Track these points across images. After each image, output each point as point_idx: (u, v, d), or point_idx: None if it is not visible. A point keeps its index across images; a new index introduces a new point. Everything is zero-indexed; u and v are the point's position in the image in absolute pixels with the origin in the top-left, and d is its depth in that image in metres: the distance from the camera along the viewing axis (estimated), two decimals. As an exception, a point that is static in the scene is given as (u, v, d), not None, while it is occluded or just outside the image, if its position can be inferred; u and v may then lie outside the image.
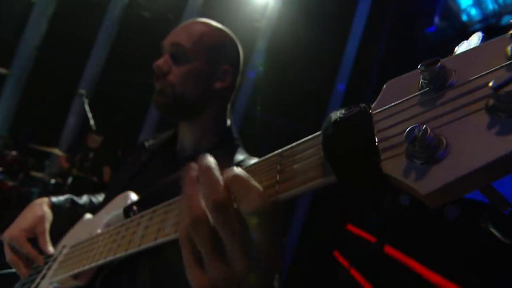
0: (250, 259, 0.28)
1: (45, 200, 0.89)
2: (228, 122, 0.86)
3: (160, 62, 0.77)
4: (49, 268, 0.80)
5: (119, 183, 0.87)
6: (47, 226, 0.85)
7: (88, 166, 4.10)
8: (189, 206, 0.29)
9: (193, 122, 0.84)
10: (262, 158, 0.31)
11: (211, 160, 0.31)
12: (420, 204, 0.22)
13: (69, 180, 3.48)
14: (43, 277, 0.79)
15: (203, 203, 0.29)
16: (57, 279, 0.69)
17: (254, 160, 0.71)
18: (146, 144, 0.94)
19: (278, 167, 0.28)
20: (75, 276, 0.66)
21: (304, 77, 4.29)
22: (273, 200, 0.27)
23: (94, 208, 1.04)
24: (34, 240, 0.85)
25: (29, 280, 0.90)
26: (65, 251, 0.79)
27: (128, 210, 0.65)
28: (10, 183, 3.51)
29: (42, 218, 0.85)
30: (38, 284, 0.77)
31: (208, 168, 0.30)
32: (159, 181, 0.73)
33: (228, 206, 0.27)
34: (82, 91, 3.57)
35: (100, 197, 1.11)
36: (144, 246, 0.43)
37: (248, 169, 0.31)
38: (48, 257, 0.88)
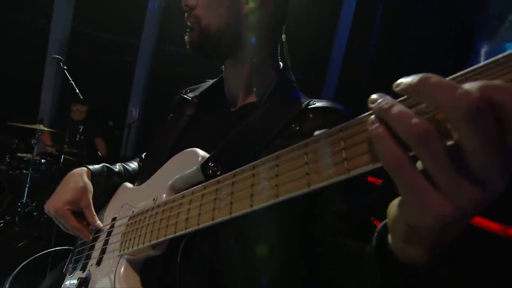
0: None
1: (84, 169, 0.89)
2: (281, 64, 0.80)
3: None
4: (106, 242, 0.80)
5: (163, 143, 0.84)
6: (91, 198, 0.85)
7: (79, 141, 3.99)
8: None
9: (235, 63, 0.79)
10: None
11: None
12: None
13: (61, 158, 3.38)
14: (103, 252, 0.79)
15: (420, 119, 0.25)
16: (130, 251, 0.68)
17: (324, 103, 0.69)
18: (187, 96, 0.89)
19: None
20: (154, 246, 0.64)
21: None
22: None
23: (131, 177, 1.02)
24: (78, 213, 0.86)
25: (80, 256, 0.90)
26: (121, 222, 0.78)
27: (206, 168, 0.59)
28: (-1, 167, 3.41)
29: (84, 190, 0.85)
30: (100, 259, 0.78)
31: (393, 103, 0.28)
32: (226, 134, 0.70)
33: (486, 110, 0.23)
34: (55, 56, 3.32)
35: (132, 164, 1.08)
36: (240, 212, 0.43)
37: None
38: (97, 231, 0.88)
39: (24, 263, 1.04)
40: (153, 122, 4.44)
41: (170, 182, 0.69)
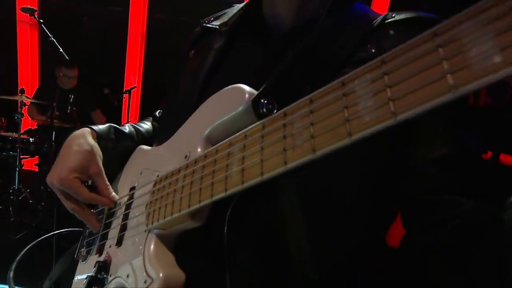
0: None
1: (86, 130, 0.89)
2: None
3: None
4: (126, 217, 0.81)
5: (187, 88, 0.83)
6: (101, 163, 0.86)
7: (71, 113, 4.04)
8: None
9: None
10: None
11: None
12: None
13: (53, 134, 3.46)
14: (123, 229, 0.80)
15: None
16: (160, 223, 0.67)
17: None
18: (212, 25, 0.88)
19: None
20: (192, 215, 0.62)
21: None
22: None
23: (145, 139, 1.02)
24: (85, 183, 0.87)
25: (93, 237, 0.91)
26: (143, 190, 0.78)
27: (258, 105, 0.56)
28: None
29: (92, 154, 0.86)
30: (121, 238, 0.78)
31: None
32: (272, 66, 0.66)
33: None
34: (26, 7, 3.27)
35: (145, 125, 1.08)
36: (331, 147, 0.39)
37: None
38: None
39: (27, 247, 1.12)
40: (159, 80, 4.37)
41: (206, 132, 0.67)
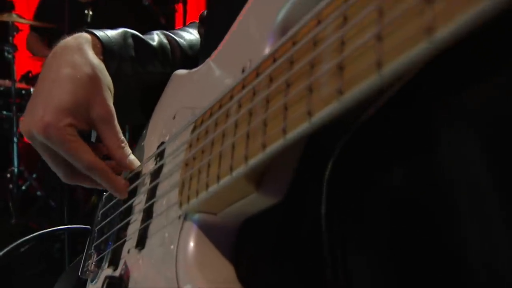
0: None
1: (84, 38, 0.86)
2: None
3: None
4: (152, 195, 0.79)
5: None
6: (111, 100, 0.84)
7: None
8: None
9: None
10: None
11: None
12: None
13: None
14: (147, 217, 0.77)
15: None
16: (204, 197, 0.62)
17: None
18: None
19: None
20: (257, 181, 0.57)
21: None
22: None
23: (185, 58, 0.99)
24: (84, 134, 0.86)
25: (104, 237, 0.91)
26: (177, 144, 0.76)
27: None
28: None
29: (95, 84, 0.82)
30: (143, 234, 0.76)
31: None
32: None
33: None
34: None
35: (187, 34, 1.05)
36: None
37: None
38: (130, 180, 0.86)
39: (17, 242, 1.11)
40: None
41: (278, 18, 0.61)
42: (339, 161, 0.57)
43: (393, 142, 0.58)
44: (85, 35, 0.87)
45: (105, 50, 0.87)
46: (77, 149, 0.78)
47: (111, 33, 0.91)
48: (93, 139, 0.87)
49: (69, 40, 0.86)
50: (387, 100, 0.50)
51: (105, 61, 0.86)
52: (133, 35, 0.94)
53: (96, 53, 0.85)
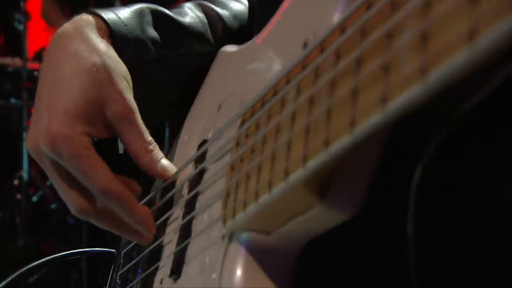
0: None
1: (86, 20, 0.84)
2: None
3: None
4: (191, 208, 0.78)
5: None
6: (130, 93, 0.82)
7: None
8: None
9: None
10: None
11: None
12: None
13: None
14: (184, 238, 0.76)
15: None
16: (249, 215, 0.60)
17: None
18: None
19: None
20: (321, 190, 0.54)
21: None
22: None
23: (229, 34, 0.96)
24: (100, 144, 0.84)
25: (131, 264, 0.91)
26: (222, 143, 0.74)
27: None
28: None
29: (108, 74, 0.80)
30: (180, 260, 0.74)
31: None
32: None
33: None
34: None
35: (233, 2, 1.03)
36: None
37: None
38: (162, 192, 0.86)
39: (25, 268, 1.11)
40: None
41: None
42: (432, 164, 0.55)
43: (507, 140, 0.57)
44: (86, 16, 0.86)
45: (112, 31, 0.84)
46: (92, 166, 0.77)
47: (121, 11, 0.90)
48: (121, 150, 0.85)
49: (66, 26, 0.85)
50: (499, 83, 0.47)
51: (114, 44, 0.83)
52: (153, 11, 0.93)
53: (102, 36, 0.84)
